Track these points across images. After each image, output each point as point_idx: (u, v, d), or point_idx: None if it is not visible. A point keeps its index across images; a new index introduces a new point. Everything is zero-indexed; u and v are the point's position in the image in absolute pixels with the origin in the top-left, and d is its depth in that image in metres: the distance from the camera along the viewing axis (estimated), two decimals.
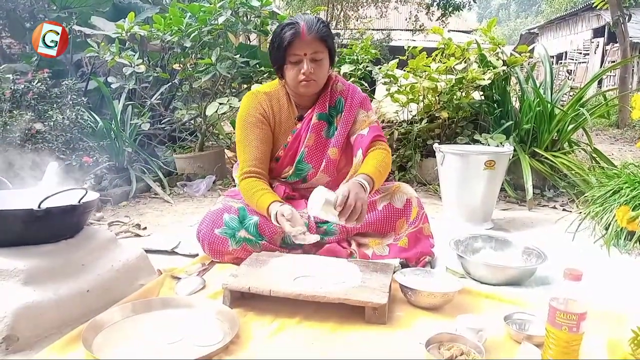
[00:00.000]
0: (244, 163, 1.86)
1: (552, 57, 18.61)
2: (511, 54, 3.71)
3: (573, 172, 3.06)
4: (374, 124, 1.94)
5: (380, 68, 3.88)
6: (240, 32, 3.82)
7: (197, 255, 2.02)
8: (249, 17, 3.66)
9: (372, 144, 1.88)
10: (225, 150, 4.20)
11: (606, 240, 2.19)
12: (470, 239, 1.99)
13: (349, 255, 1.84)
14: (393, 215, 1.89)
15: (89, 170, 3.06)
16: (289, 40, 1.73)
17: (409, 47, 3.85)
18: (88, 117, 3.39)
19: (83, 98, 3.32)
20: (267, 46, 1.96)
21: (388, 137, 3.82)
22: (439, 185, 2.95)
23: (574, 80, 14.56)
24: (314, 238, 1.63)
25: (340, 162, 1.96)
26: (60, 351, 1.21)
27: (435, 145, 2.73)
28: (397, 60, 3.87)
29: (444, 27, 10.28)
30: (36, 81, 3.01)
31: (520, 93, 3.64)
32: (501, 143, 3.11)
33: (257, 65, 3.68)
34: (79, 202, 1.46)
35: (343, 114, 1.93)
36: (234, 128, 1.88)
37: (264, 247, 1.81)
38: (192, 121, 4.08)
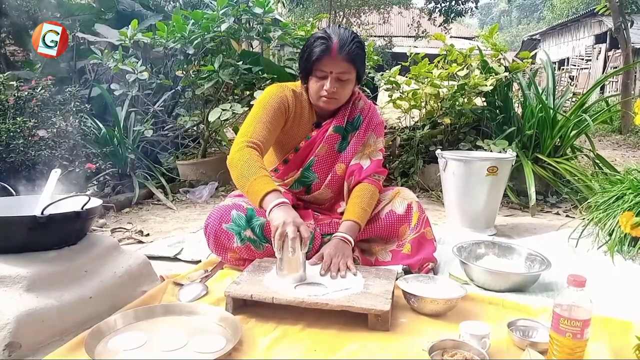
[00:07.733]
0: (247, 134, 1.70)
1: (554, 63, 18.63)
2: (513, 60, 3.72)
3: (576, 178, 3.05)
4: (378, 154, 1.94)
5: (382, 74, 3.89)
6: (243, 39, 3.85)
7: (199, 261, 2.02)
8: (251, 24, 3.68)
9: (366, 178, 1.88)
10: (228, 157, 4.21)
11: (610, 246, 2.18)
12: (473, 245, 1.99)
13: None
14: (395, 222, 1.89)
15: (92, 177, 3.07)
16: (318, 56, 1.71)
17: (411, 53, 3.86)
18: (91, 124, 3.41)
19: (86, 105, 3.34)
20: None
21: (390, 143, 3.82)
22: (441, 192, 2.94)
23: (576, 86, 14.58)
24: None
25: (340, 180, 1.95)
26: (63, 358, 1.21)
27: (438, 152, 2.73)
28: (399, 66, 3.88)
29: (446, 34, 10.31)
30: (39, 88, 3.03)
31: (522, 99, 3.64)
32: (504, 149, 3.11)
33: (260, 72, 3.70)
34: (82, 208, 1.46)
35: (358, 131, 1.92)
36: (236, 134, 1.82)
37: (267, 249, 1.80)
38: (194, 128, 4.09)
